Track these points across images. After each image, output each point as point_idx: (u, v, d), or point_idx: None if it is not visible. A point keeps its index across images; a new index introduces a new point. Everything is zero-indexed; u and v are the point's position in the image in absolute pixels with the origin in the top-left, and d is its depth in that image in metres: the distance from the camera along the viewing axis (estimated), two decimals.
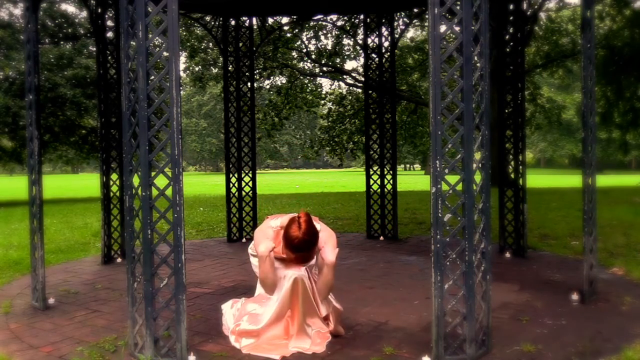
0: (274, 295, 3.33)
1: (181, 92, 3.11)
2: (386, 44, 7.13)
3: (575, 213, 9.06)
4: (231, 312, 3.56)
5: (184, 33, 18.33)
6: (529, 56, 20.82)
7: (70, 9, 22.82)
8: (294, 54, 20.83)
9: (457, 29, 2.95)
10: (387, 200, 7.16)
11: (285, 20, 14.69)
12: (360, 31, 14.81)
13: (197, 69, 20.81)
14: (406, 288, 4.69)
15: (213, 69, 20.87)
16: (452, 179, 2.97)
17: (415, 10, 9.97)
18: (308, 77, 21.93)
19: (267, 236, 3.31)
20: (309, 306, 3.28)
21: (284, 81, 21.74)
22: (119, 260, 5.99)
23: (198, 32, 18.67)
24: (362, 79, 14.07)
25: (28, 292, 4.48)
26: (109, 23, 6.06)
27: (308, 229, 3.18)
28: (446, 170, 2.96)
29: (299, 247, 3.20)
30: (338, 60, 20.92)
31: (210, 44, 19.38)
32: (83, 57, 18.09)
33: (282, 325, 3.29)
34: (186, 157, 69.71)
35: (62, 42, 18.67)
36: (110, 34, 6.03)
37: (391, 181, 7.14)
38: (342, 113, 21.88)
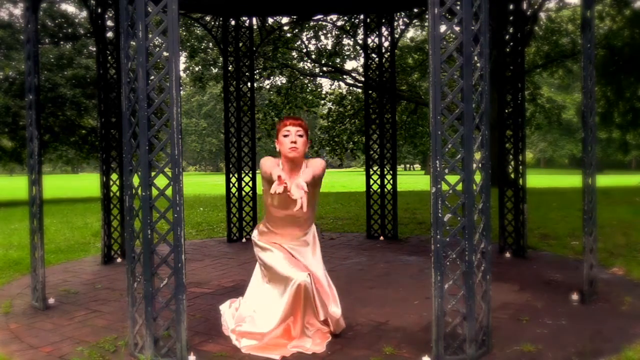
0: (275, 294, 3.32)
1: (181, 92, 3.11)
2: (386, 44, 7.13)
3: (575, 213, 9.05)
4: (230, 312, 3.56)
5: (184, 33, 18.33)
6: (529, 56, 20.81)
7: (70, 9, 22.86)
8: (294, 54, 20.82)
9: (457, 29, 2.95)
10: (387, 200, 7.16)
11: (285, 20, 14.69)
12: (360, 31, 14.83)
13: (197, 69, 20.80)
14: (406, 288, 4.69)
15: (213, 69, 20.87)
16: (452, 179, 2.97)
17: (415, 10, 9.97)
18: (308, 77, 21.93)
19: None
20: (310, 310, 3.28)
21: (284, 81, 21.75)
22: (119, 260, 5.99)
23: (198, 32, 18.67)
24: (362, 79, 14.07)
25: (28, 292, 4.48)
26: (109, 23, 6.06)
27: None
28: (446, 170, 2.96)
29: (288, 117, 3.30)
30: (338, 60, 20.92)
31: (210, 44, 19.37)
32: (83, 57, 18.11)
33: (282, 327, 3.30)
34: (186, 157, 69.72)
35: (62, 42, 18.68)
36: (110, 34, 6.03)
37: (391, 181, 7.14)
38: (342, 113, 21.87)
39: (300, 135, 3.24)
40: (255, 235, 3.53)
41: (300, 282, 3.19)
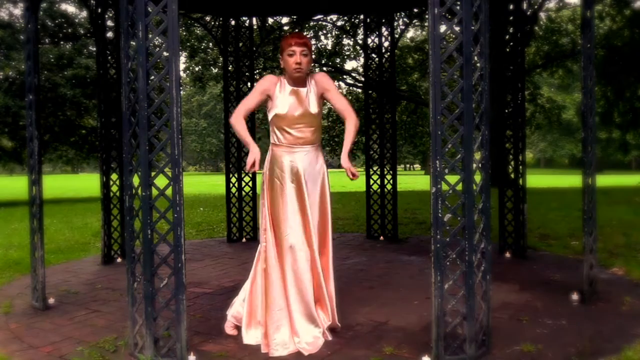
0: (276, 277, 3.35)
1: (181, 92, 3.11)
2: (386, 44, 7.13)
3: (575, 213, 9.05)
4: (236, 306, 3.56)
5: (184, 33, 18.33)
6: (529, 56, 20.81)
7: (70, 9, 22.82)
8: None
9: (457, 29, 2.95)
10: (387, 200, 7.16)
11: (285, 20, 14.70)
12: (360, 31, 14.82)
13: (197, 69, 20.80)
14: (406, 288, 4.69)
15: (213, 69, 20.88)
16: (452, 179, 2.97)
17: (415, 10, 9.98)
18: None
19: None
20: (306, 302, 3.30)
21: None
22: (119, 260, 5.99)
23: (198, 32, 18.67)
24: (362, 79, 14.08)
25: (28, 292, 4.48)
26: (109, 23, 6.06)
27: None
28: (446, 170, 2.96)
29: (293, 36, 3.44)
30: (338, 60, 20.93)
31: (210, 44, 19.37)
32: (83, 57, 18.10)
33: (284, 322, 3.32)
34: (186, 157, 69.73)
35: (62, 42, 18.68)
36: (110, 34, 6.03)
37: (391, 181, 7.14)
38: None
39: (305, 55, 3.37)
40: (265, 170, 3.50)
41: (303, 272, 3.28)
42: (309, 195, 3.40)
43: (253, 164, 3.29)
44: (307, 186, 3.40)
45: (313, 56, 3.51)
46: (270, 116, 3.45)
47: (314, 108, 3.42)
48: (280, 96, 3.41)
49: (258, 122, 19.83)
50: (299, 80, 3.43)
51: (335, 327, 3.45)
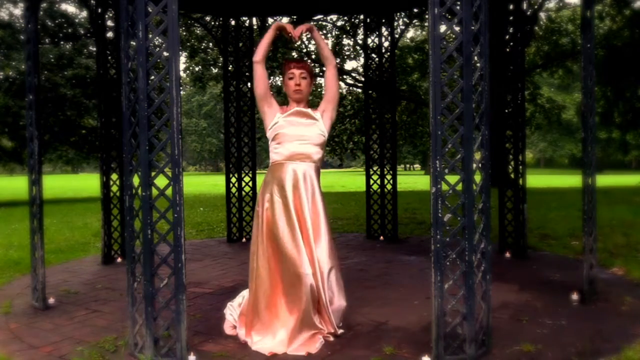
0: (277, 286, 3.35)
1: (181, 92, 3.11)
2: (386, 44, 7.13)
3: (575, 213, 9.05)
4: (234, 307, 3.56)
5: (184, 33, 18.33)
6: (529, 56, 20.81)
7: (70, 9, 22.90)
8: (294, 54, 20.83)
9: (457, 29, 2.95)
10: (387, 200, 7.16)
11: (285, 20, 14.67)
12: (360, 31, 14.83)
13: (197, 69, 20.80)
14: (406, 288, 4.69)
15: (213, 69, 20.87)
16: (452, 179, 2.97)
17: (415, 10, 9.98)
18: None
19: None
20: (308, 313, 3.29)
21: None
22: (119, 260, 5.99)
23: (198, 32, 18.66)
24: (362, 79, 14.08)
25: (28, 292, 4.48)
26: (109, 23, 6.06)
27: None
28: (446, 170, 2.96)
29: (292, 60, 3.67)
30: (338, 60, 20.91)
31: (210, 44, 19.37)
32: (83, 57, 18.10)
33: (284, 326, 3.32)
34: (186, 157, 69.73)
35: (62, 42, 18.67)
36: (110, 34, 6.03)
37: (391, 181, 7.14)
38: (342, 113, 21.88)
39: (304, 78, 3.50)
40: (263, 191, 3.47)
41: (311, 283, 3.26)
42: (308, 210, 3.39)
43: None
44: (305, 200, 3.38)
45: (314, 80, 3.59)
46: (271, 135, 3.44)
47: (319, 126, 3.47)
48: (283, 116, 3.45)
49: (258, 122, 19.82)
50: (301, 103, 3.52)
51: (336, 333, 3.44)
